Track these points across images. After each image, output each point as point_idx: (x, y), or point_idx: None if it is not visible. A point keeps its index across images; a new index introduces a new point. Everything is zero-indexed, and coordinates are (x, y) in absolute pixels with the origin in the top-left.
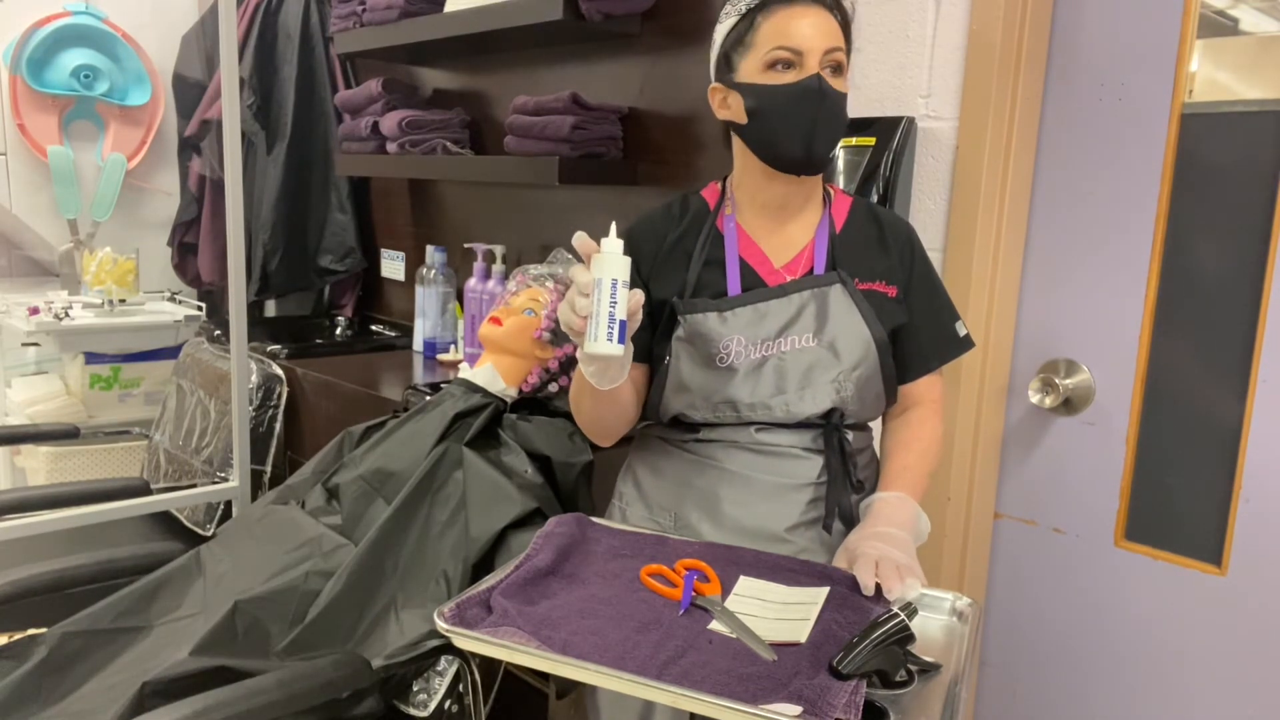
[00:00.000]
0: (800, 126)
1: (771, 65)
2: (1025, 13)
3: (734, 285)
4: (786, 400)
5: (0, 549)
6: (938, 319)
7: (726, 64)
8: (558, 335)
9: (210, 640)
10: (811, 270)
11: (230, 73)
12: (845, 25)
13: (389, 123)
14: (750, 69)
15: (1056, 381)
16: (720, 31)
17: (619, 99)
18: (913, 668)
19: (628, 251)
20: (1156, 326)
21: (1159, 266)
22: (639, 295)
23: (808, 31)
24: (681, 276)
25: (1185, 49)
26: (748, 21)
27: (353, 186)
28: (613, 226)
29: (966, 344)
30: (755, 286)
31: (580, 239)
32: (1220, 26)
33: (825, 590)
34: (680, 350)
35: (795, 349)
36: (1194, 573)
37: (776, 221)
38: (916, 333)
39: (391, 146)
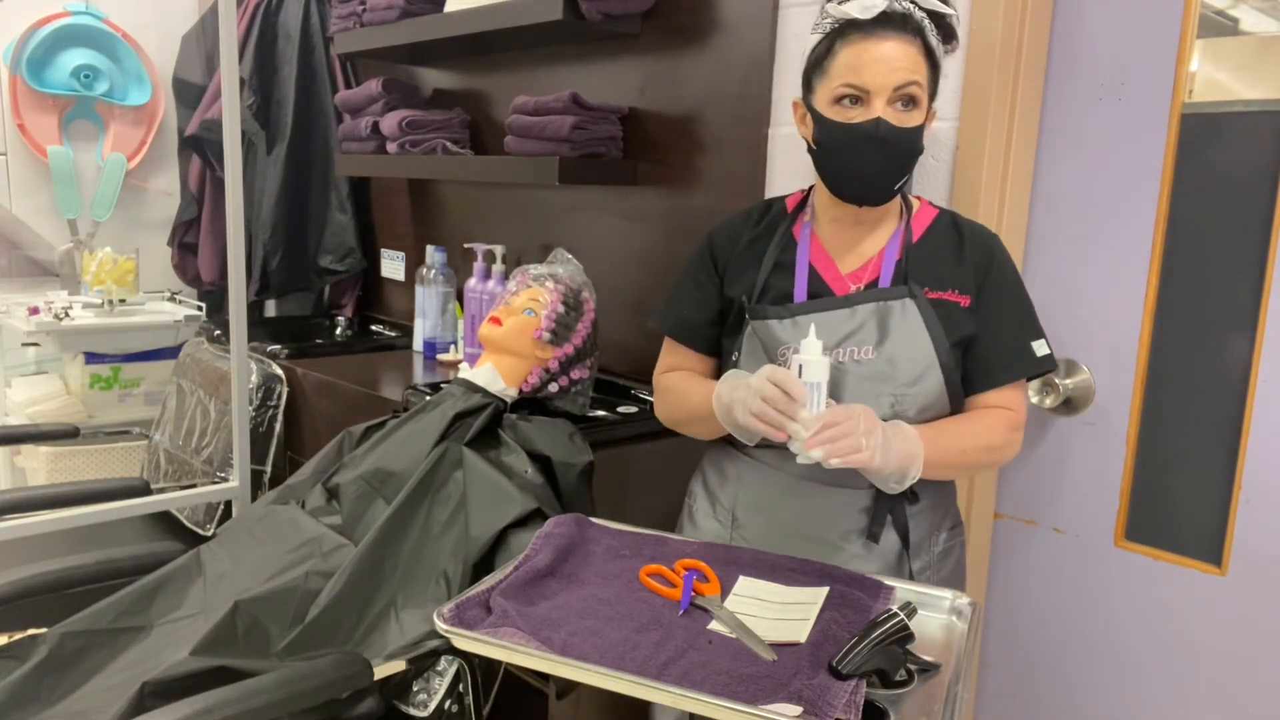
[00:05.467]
0: (857, 167)
1: (839, 100)
2: (1025, 13)
3: (800, 291)
4: None
5: (0, 549)
6: (1011, 333)
7: (807, 84)
8: (557, 335)
9: (210, 640)
10: (877, 281)
11: (230, 73)
12: (930, 49)
13: (389, 123)
14: (823, 98)
15: (1056, 381)
16: (809, 43)
17: (619, 99)
18: (912, 667)
19: (708, 253)
20: (1156, 326)
21: (1159, 266)
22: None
23: (878, 69)
24: (752, 277)
25: (1185, 49)
26: (827, 44)
27: (353, 186)
28: (811, 328)
29: (1045, 364)
30: (821, 293)
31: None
32: (1220, 26)
33: (824, 590)
34: (748, 349)
35: (854, 360)
36: (1194, 573)
37: (851, 233)
38: (987, 345)
39: (391, 146)
